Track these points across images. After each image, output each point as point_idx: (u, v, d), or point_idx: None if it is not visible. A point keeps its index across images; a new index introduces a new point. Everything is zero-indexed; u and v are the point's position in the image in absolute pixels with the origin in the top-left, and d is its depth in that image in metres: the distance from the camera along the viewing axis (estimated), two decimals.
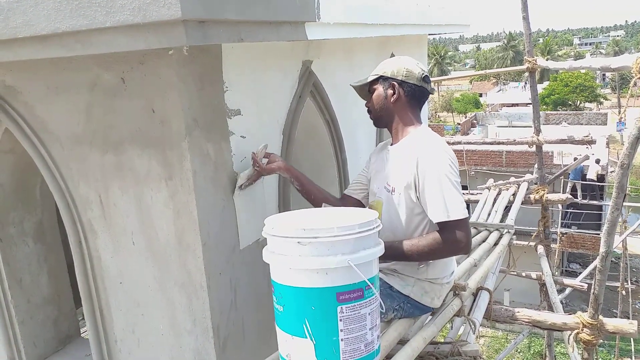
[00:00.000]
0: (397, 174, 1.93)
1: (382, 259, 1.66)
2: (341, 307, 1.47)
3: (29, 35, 1.56)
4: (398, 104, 1.99)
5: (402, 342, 1.89)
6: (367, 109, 2.10)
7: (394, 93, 1.98)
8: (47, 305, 2.75)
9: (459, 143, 6.84)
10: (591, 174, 16.30)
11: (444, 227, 1.79)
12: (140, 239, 2.03)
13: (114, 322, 2.25)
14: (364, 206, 2.18)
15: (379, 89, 2.02)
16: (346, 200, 2.22)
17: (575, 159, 7.13)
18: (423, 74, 1.99)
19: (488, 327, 14.44)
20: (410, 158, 1.87)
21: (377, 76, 2.02)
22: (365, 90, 2.07)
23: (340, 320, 1.47)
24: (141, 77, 1.80)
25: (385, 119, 2.04)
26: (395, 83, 1.98)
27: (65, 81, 1.96)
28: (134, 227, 2.03)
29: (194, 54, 1.76)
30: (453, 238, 1.78)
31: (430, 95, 2.11)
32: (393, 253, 1.84)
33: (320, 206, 2.11)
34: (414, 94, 2.00)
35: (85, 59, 1.82)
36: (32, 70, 2.01)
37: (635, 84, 1.89)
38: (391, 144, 2.07)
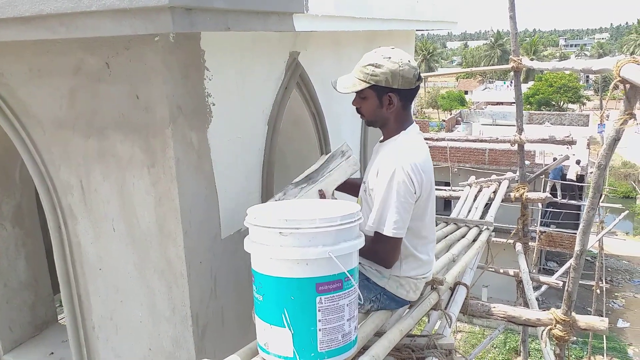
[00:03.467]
0: (371, 175, 1.93)
1: None
2: (320, 298, 1.49)
3: (12, 17, 1.53)
4: (393, 111, 1.91)
5: (379, 334, 1.92)
6: (356, 108, 1.99)
7: (390, 103, 1.89)
8: (24, 290, 2.72)
9: (443, 140, 6.89)
10: (571, 174, 16.58)
11: (375, 237, 1.84)
12: (120, 226, 2.02)
13: (92, 308, 2.24)
14: None
15: (372, 99, 1.89)
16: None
17: (554, 159, 7.24)
18: (417, 73, 1.90)
19: (466, 322, 14.65)
20: (377, 167, 1.88)
21: (368, 85, 1.86)
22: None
23: (319, 310, 1.49)
24: (126, 63, 1.78)
25: (378, 124, 1.98)
26: (392, 94, 1.87)
27: (49, 64, 1.94)
28: (115, 214, 2.02)
29: (180, 41, 1.75)
30: (375, 248, 1.84)
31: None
32: None
33: None
34: (409, 97, 1.94)
35: (70, 43, 1.80)
36: (14, 52, 1.98)
37: (615, 87, 1.92)
38: (381, 140, 2.03)
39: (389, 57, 1.86)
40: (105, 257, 2.12)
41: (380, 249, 1.86)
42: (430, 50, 57.33)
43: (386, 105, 1.89)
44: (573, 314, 2.44)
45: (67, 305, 2.26)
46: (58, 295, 2.67)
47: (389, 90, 1.87)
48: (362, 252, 1.79)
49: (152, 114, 1.79)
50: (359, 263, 1.72)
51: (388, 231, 1.81)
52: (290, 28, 1.96)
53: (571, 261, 2.47)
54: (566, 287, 2.44)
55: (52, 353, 2.65)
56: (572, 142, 5.33)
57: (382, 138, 2.05)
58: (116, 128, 1.89)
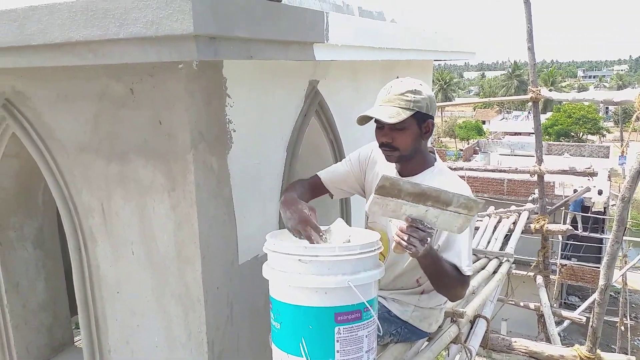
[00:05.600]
0: None
1: (425, 265, 1.68)
2: (338, 328, 1.47)
3: (43, 43, 1.58)
4: (427, 139, 1.84)
5: None
6: (382, 143, 1.81)
7: (427, 131, 1.80)
8: (43, 312, 2.73)
9: (461, 169, 6.86)
10: (598, 206, 16.24)
11: (455, 275, 1.77)
12: (139, 249, 2.03)
13: (108, 331, 2.23)
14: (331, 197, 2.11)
15: (412, 127, 1.76)
16: (316, 186, 2.06)
17: (575, 190, 7.13)
18: None
19: (484, 356, 14.25)
20: None
21: (413, 112, 1.73)
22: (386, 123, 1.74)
23: (337, 341, 1.47)
24: (150, 89, 1.82)
25: (409, 157, 1.83)
26: (431, 121, 1.80)
27: (75, 89, 1.99)
28: (135, 237, 2.03)
29: (203, 68, 1.79)
30: (461, 288, 1.80)
31: None
32: (436, 261, 1.68)
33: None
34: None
35: (96, 69, 1.84)
36: (42, 77, 2.04)
37: (637, 119, 1.90)
38: (401, 174, 1.89)
39: (421, 84, 1.80)
40: (124, 281, 2.12)
41: (460, 288, 1.80)
42: (447, 80, 57.61)
43: (425, 133, 1.81)
44: (598, 351, 2.36)
45: (84, 328, 2.25)
46: (75, 318, 2.67)
47: (429, 117, 1.79)
48: (450, 286, 1.77)
49: (174, 139, 1.81)
50: (380, 297, 1.69)
51: (468, 270, 1.76)
52: (311, 57, 1.99)
53: (595, 296, 2.41)
54: (590, 323, 2.37)
55: None
56: (593, 174, 5.27)
57: (407, 171, 1.88)
58: (138, 153, 1.92)
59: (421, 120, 1.78)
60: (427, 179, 1.81)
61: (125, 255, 2.07)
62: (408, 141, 1.78)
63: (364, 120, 1.83)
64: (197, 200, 1.83)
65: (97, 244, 2.14)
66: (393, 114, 1.73)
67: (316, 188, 2.07)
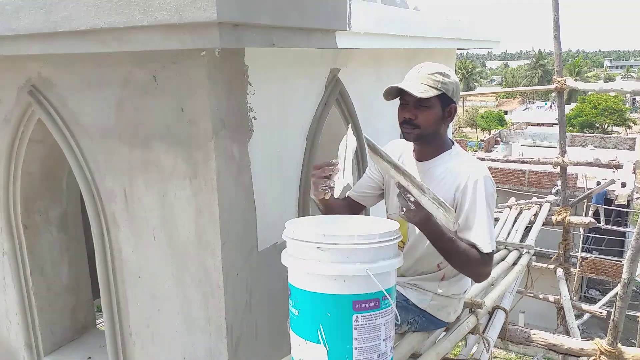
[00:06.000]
0: (443, 194, 1.80)
1: (428, 234, 1.70)
2: (357, 316, 1.47)
3: (69, 30, 1.60)
4: (447, 124, 1.89)
5: (415, 356, 1.88)
6: (405, 119, 1.84)
7: (449, 116, 1.86)
8: (66, 294, 2.80)
9: (482, 160, 6.78)
10: (622, 199, 15.94)
11: (481, 253, 1.78)
12: (161, 235, 2.06)
13: (130, 315, 2.28)
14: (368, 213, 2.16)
15: (436, 108, 1.81)
16: (349, 204, 2.08)
17: (598, 183, 7.00)
18: None
19: (501, 348, 14.19)
20: (454, 180, 1.81)
21: (439, 92, 1.78)
22: (412, 99, 1.80)
23: (355, 328, 1.47)
24: (173, 76, 1.83)
25: (430, 137, 1.87)
26: (454, 106, 1.85)
27: (99, 76, 2.01)
28: (156, 223, 2.06)
29: (225, 56, 1.79)
30: (484, 266, 1.80)
31: None
32: (441, 236, 1.71)
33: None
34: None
35: (120, 56, 1.86)
36: (67, 63, 2.07)
37: None
38: (418, 159, 1.94)
39: (449, 69, 1.85)
40: (145, 265, 2.16)
41: (487, 266, 1.81)
42: (470, 70, 56.78)
43: (447, 117, 1.85)
44: (619, 345, 2.33)
45: (107, 311, 2.30)
46: (97, 301, 2.73)
47: (452, 102, 1.84)
48: (471, 266, 1.78)
49: (196, 126, 1.83)
50: (398, 284, 1.69)
51: (488, 248, 1.77)
52: (333, 45, 1.98)
53: (617, 289, 2.37)
54: (612, 317, 2.34)
55: (90, 357, 2.70)
56: (618, 166, 5.16)
57: (421, 157, 1.94)
58: (160, 139, 1.94)
59: (445, 103, 1.83)
60: (445, 161, 1.87)
61: (147, 241, 2.10)
62: (430, 120, 1.82)
63: (390, 95, 1.86)
64: (217, 187, 1.85)
65: (120, 228, 2.17)
66: (422, 90, 1.78)
67: (349, 205, 2.09)
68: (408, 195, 1.63)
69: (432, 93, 1.77)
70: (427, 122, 1.82)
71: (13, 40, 1.77)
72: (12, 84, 2.27)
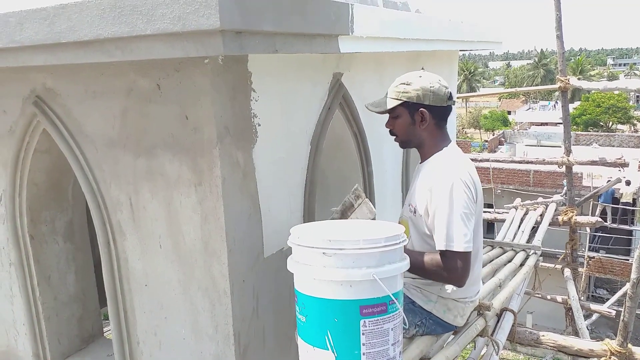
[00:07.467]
0: (418, 196, 1.93)
1: None
2: (364, 321, 1.46)
3: (72, 41, 1.61)
4: (427, 128, 1.95)
5: (424, 359, 1.87)
6: (389, 131, 2.04)
7: (422, 120, 1.93)
8: (73, 304, 2.80)
9: (487, 160, 6.76)
10: (627, 197, 15.85)
11: (444, 255, 1.80)
12: (167, 243, 2.06)
13: (137, 323, 2.28)
14: None
15: (404, 116, 1.95)
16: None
17: (608, 180, 6.96)
18: (448, 92, 1.94)
19: (509, 349, 14.11)
20: (427, 185, 1.88)
21: (400, 102, 1.93)
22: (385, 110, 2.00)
23: (363, 334, 1.47)
24: (176, 84, 1.84)
25: (413, 143, 2.02)
26: (424, 110, 1.91)
27: (103, 86, 2.02)
28: (162, 231, 2.06)
29: (228, 63, 1.79)
30: (449, 266, 1.79)
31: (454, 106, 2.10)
32: None
33: None
34: (442, 115, 1.96)
35: (123, 65, 1.87)
36: (71, 74, 2.08)
37: None
38: (420, 161, 2.04)
39: (420, 77, 1.94)
40: (151, 274, 2.16)
41: (453, 267, 1.79)
42: (472, 70, 56.71)
43: (418, 122, 1.93)
44: (629, 345, 2.31)
45: (114, 320, 2.30)
46: (104, 310, 2.74)
47: (421, 107, 1.91)
48: (431, 274, 1.81)
49: (200, 134, 1.83)
50: (403, 286, 1.69)
51: (459, 246, 1.77)
52: (336, 50, 1.98)
53: (626, 289, 2.35)
54: (622, 317, 2.32)
55: None
56: (624, 165, 5.13)
57: (420, 160, 2.05)
58: (165, 147, 1.94)
59: (413, 109, 1.93)
60: (432, 162, 1.97)
61: (153, 249, 2.11)
62: (403, 128, 1.98)
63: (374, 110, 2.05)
64: (223, 194, 1.85)
65: (126, 237, 2.18)
66: (380, 104, 2.00)
67: None
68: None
69: (392, 104, 1.94)
70: (401, 130, 1.99)
71: (17, 51, 1.78)
72: (17, 95, 2.28)
